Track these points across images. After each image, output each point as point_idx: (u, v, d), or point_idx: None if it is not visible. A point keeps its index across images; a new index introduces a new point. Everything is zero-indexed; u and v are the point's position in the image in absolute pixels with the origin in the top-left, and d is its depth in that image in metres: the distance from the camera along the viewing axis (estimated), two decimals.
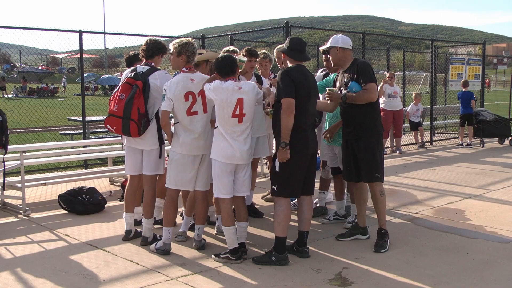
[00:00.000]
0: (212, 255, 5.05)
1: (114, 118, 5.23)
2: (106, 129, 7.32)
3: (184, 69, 5.18)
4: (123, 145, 5.71)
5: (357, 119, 5.34)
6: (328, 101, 5.56)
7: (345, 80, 5.38)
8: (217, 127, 4.94)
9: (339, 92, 5.46)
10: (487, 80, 59.63)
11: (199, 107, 5.10)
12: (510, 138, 13.55)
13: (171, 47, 5.25)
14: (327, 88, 5.61)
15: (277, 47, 6.78)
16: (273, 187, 5.01)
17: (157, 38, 5.58)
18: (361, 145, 5.35)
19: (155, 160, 5.45)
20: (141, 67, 5.40)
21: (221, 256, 4.99)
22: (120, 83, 5.43)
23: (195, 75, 5.18)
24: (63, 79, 44.93)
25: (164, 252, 5.20)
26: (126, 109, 5.14)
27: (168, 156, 5.38)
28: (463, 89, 13.24)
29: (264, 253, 5.07)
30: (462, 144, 13.12)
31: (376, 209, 5.48)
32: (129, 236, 5.65)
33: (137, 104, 5.15)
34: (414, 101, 13.46)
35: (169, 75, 5.46)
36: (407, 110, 13.40)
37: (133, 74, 5.32)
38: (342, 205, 6.44)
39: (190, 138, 5.11)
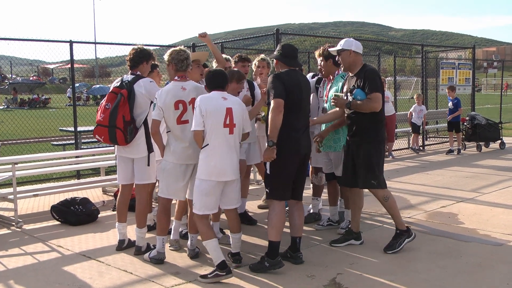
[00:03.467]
0: (199, 277, 4.77)
1: (101, 128, 5.28)
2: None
3: (176, 77, 5.19)
4: (115, 155, 5.71)
5: (360, 125, 5.37)
6: (337, 109, 5.60)
7: (351, 86, 5.39)
8: (206, 145, 4.81)
9: (345, 97, 5.47)
10: (506, 84, 58.90)
11: (190, 116, 5.06)
12: (500, 141, 13.65)
13: (165, 57, 5.29)
14: (333, 94, 5.64)
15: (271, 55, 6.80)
16: (266, 190, 5.05)
17: (141, 47, 5.61)
18: (360, 151, 5.38)
19: (145, 168, 5.45)
20: (127, 77, 5.47)
21: (209, 276, 4.71)
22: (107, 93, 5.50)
23: (187, 84, 5.18)
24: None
25: (158, 261, 5.19)
26: (111, 117, 5.19)
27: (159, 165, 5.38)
28: (451, 95, 13.04)
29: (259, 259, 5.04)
30: (452, 151, 13.00)
31: (389, 213, 5.54)
32: (122, 246, 5.64)
33: (122, 112, 5.20)
34: (416, 102, 13.51)
35: (153, 83, 5.50)
36: (410, 111, 13.48)
37: (119, 83, 5.40)
38: (335, 211, 6.44)
39: (180, 147, 5.09)
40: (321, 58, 6.10)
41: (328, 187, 6.48)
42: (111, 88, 5.44)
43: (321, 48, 6.13)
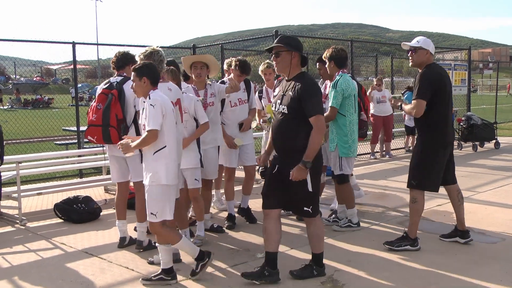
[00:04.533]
0: (141, 279, 4.71)
1: (94, 128, 5.39)
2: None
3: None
4: (105, 156, 5.80)
5: (416, 127, 5.60)
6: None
7: (407, 87, 5.53)
8: (164, 147, 4.54)
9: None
10: (509, 84, 58.83)
11: (177, 117, 5.09)
12: (494, 141, 13.68)
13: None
14: (390, 96, 5.78)
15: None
16: (308, 209, 4.58)
17: (125, 51, 5.78)
18: (412, 150, 5.69)
19: (139, 166, 5.52)
20: (115, 78, 5.62)
21: (153, 278, 4.64)
22: (96, 95, 5.64)
23: (170, 85, 5.23)
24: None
25: (176, 260, 5.16)
26: (105, 116, 5.31)
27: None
28: None
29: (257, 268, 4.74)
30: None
31: (409, 216, 5.60)
32: (124, 244, 5.74)
33: (115, 111, 5.33)
34: None
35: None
36: (403, 113, 13.53)
37: (107, 85, 5.54)
38: (343, 209, 6.49)
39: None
40: (326, 60, 6.24)
41: (335, 186, 6.54)
42: (100, 90, 5.56)
43: (326, 51, 6.25)
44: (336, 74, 6.14)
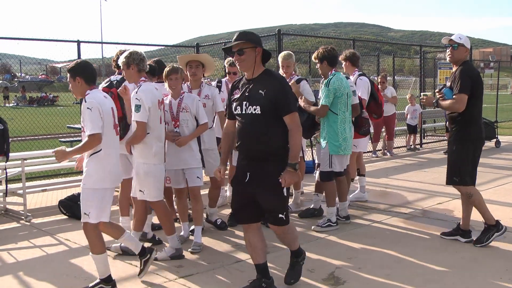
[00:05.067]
0: None
1: None
2: None
3: (142, 78, 5.13)
4: None
5: (451, 123, 5.56)
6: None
7: (442, 85, 5.48)
8: (99, 150, 4.33)
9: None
10: None
11: (162, 116, 5.23)
12: (495, 140, 13.64)
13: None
14: (421, 93, 5.76)
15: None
16: (282, 216, 4.27)
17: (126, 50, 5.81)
18: (449, 148, 5.65)
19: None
20: (115, 77, 5.72)
21: None
22: None
23: (155, 84, 5.30)
24: None
25: (179, 256, 5.28)
26: None
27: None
28: None
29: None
30: None
31: (477, 209, 5.62)
32: None
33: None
34: (409, 102, 13.60)
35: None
36: (405, 112, 13.56)
37: (108, 83, 5.63)
38: (344, 206, 6.51)
39: (159, 147, 5.13)
40: (317, 60, 6.28)
41: (336, 184, 6.41)
42: (101, 89, 5.52)
43: (317, 51, 6.30)
44: (329, 73, 6.18)
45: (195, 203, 5.79)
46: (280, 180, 4.08)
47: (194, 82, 6.18)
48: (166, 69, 5.54)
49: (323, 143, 6.22)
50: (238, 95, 4.31)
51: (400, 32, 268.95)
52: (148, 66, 5.25)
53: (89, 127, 4.20)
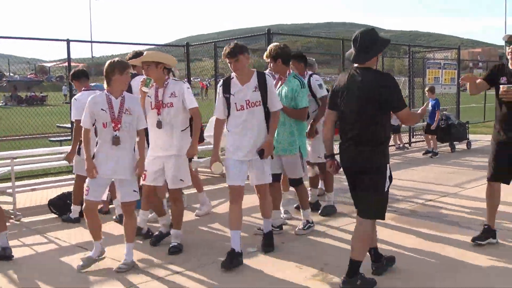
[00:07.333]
0: None
1: None
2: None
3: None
4: None
5: None
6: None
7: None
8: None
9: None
10: None
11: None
12: (466, 141, 13.52)
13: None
14: (505, 86, 5.17)
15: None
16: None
17: (139, 50, 5.90)
18: None
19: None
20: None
21: None
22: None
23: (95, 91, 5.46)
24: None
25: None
26: None
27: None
28: (431, 96, 12.54)
29: None
30: (430, 152, 12.56)
31: None
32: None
33: None
34: None
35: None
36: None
37: None
38: (278, 215, 6.16)
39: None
40: (269, 59, 5.90)
41: (271, 190, 5.70)
42: None
43: (268, 49, 5.95)
44: (288, 72, 5.92)
45: (175, 205, 5.61)
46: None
47: (158, 81, 5.43)
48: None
49: (293, 148, 5.82)
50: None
51: (390, 33, 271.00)
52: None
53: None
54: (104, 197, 5.06)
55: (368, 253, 4.61)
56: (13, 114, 15.15)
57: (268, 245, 5.47)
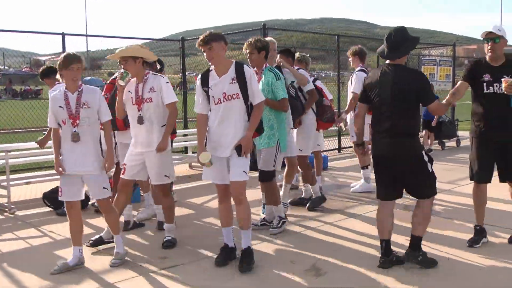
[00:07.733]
0: None
1: None
2: None
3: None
4: (115, 142, 5.94)
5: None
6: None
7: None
8: None
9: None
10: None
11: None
12: (456, 139, 13.53)
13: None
14: (509, 80, 4.88)
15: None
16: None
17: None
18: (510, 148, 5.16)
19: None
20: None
21: None
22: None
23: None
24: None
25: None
26: (110, 105, 5.37)
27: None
28: None
29: None
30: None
31: None
32: (128, 227, 6.02)
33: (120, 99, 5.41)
34: None
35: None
36: None
37: (115, 76, 5.76)
38: (271, 210, 6.13)
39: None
40: (249, 50, 5.74)
41: (263, 186, 6.02)
42: (110, 80, 5.97)
43: (252, 40, 5.77)
44: (264, 65, 5.83)
45: (165, 198, 5.56)
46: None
47: (137, 77, 5.30)
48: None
49: (271, 141, 5.76)
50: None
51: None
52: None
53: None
54: (82, 196, 4.91)
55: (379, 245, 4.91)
56: (8, 107, 15.10)
57: (246, 263, 4.83)
